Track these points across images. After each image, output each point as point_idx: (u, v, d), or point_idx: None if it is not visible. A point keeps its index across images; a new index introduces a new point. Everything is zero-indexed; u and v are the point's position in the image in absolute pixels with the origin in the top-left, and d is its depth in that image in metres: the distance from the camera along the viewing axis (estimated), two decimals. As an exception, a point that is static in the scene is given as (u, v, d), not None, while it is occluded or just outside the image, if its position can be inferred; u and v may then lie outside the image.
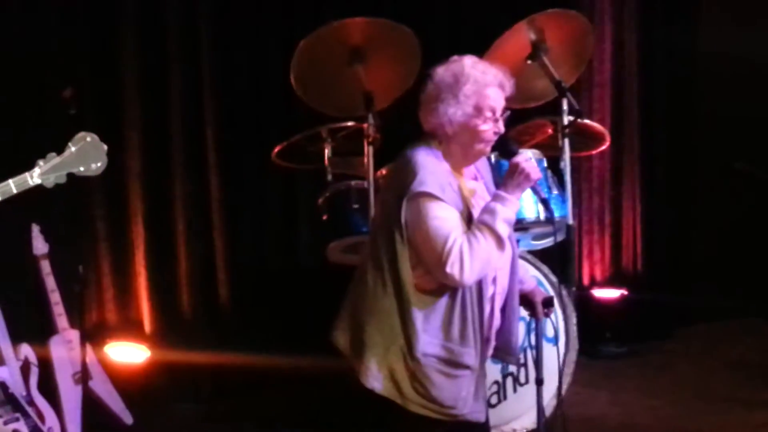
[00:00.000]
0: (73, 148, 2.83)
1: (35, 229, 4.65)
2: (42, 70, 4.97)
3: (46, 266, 4.67)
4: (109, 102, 5.26)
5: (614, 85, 6.28)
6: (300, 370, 5.08)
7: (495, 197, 3.05)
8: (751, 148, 6.35)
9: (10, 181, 2.75)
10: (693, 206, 6.54)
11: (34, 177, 2.78)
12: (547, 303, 3.47)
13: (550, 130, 4.94)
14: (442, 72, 3.09)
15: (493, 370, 4.46)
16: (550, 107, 4.93)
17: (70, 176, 2.84)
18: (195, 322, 5.46)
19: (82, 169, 2.84)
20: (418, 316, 3.02)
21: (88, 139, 2.84)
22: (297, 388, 5.29)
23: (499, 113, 3.08)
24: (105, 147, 2.85)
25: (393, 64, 4.68)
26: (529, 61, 4.76)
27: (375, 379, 3.06)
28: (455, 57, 3.14)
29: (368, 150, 4.48)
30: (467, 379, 3.11)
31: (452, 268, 2.93)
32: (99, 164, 2.85)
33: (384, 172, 4.49)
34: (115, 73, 5.27)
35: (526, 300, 3.44)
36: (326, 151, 4.77)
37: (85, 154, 2.83)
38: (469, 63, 3.09)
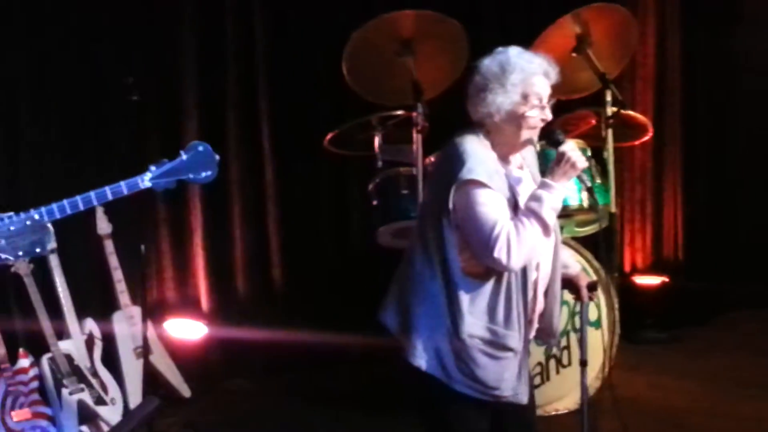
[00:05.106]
0: (184, 156, 2.80)
1: (99, 210, 4.83)
2: (105, 62, 5.17)
3: (109, 245, 4.87)
4: (168, 92, 5.44)
5: (657, 77, 6.30)
6: (349, 349, 5.20)
7: (542, 185, 3.09)
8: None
9: (122, 183, 2.73)
10: (734, 196, 6.52)
11: (145, 181, 2.75)
12: (592, 287, 3.49)
13: (593, 121, 5.03)
14: (488, 63, 3.11)
15: (537, 352, 4.57)
16: (594, 99, 5.00)
17: (180, 182, 2.82)
18: (249, 301, 5.64)
19: (191, 176, 2.81)
20: (464, 299, 3.05)
21: (200, 148, 2.82)
22: (346, 366, 5.44)
23: (545, 101, 3.10)
24: (217, 157, 2.84)
25: (441, 55, 4.78)
26: (574, 54, 4.86)
27: (421, 358, 3.10)
28: (500, 48, 3.15)
29: (417, 138, 4.59)
30: (511, 361, 3.14)
31: (499, 253, 2.96)
32: (209, 173, 2.82)
33: (432, 159, 4.56)
34: (173, 64, 5.45)
35: (572, 284, 3.47)
36: (376, 138, 4.85)
37: (196, 162, 2.80)
38: (514, 53, 3.11)
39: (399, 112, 4.80)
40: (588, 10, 4.83)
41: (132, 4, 5.23)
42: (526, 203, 3.08)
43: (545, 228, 3.05)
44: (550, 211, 3.05)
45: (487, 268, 3.05)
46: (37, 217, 2.62)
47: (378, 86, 4.84)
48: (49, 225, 2.62)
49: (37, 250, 2.59)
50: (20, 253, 2.57)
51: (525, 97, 3.08)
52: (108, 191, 2.72)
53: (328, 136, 4.91)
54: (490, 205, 3.00)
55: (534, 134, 3.14)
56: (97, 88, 5.18)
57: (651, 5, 6.26)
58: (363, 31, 4.67)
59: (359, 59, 4.73)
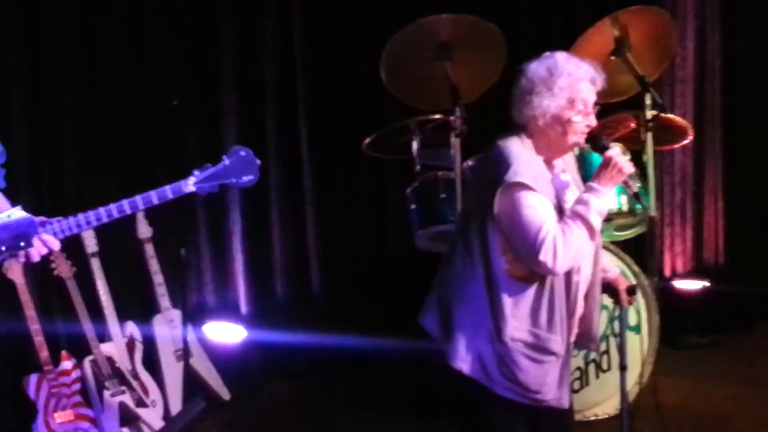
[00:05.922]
0: (227, 161, 2.85)
1: (140, 215, 4.87)
2: (146, 67, 5.23)
3: (150, 249, 4.91)
4: (207, 97, 5.48)
5: (697, 80, 6.22)
6: (389, 353, 5.18)
7: (588, 189, 3.08)
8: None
9: (167, 187, 2.78)
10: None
11: (188, 185, 2.80)
12: (631, 291, 3.49)
13: (633, 125, 4.96)
14: (535, 66, 3.12)
15: (577, 357, 4.55)
16: (633, 102, 4.94)
17: (222, 187, 2.86)
18: (288, 304, 5.66)
19: (234, 180, 2.86)
20: (507, 302, 3.06)
21: (242, 153, 2.87)
22: (386, 369, 5.40)
23: (590, 107, 3.11)
24: (258, 161, 2.88)
25: (479, 59, 4.76)
26: (612, 57, 4.81)
27: (463, 361, 3.11)
28: (547, 53, 3.16)
29: (455, 142, 4.58)
30: (553, 365, 3.14)
31: (545, 256, 2.96)
32: (251, 177, 2.87)
33: (470, 163, 4.57)
34: (212, 69, 5.48)
35: (611, 288, 3.46)
36: (414, 142, 4.83)
37: (238, 167, 2.85)
38: (562, 58, 3.13)
39: (437, 116, 4.78)
40: (626, 12, 4.79)
41: (171, 8, 5.29)
42: (572, 207, 3.08)
43: (591, 232, 3.05)
44: (596, 215, 3.05)
45: (530, 271, 3.05)
46: (61, 227, 2.64)
47: (416, 90, 4.83)
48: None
49: (21, 243, 2.55)
50: (3, 248, 2.54)
51: (571, 102, 3.09)
52: (154, 195, 2.76)
53: (367, 140, 4.90)
54: (536, 208, 3.00)
55: (579, 139, 3.14)
56: (138, 93, 5.23)
57: (690, 7, 6.17)
58: (401, 35, 4.67)
59: (397, 63, 4.72)
